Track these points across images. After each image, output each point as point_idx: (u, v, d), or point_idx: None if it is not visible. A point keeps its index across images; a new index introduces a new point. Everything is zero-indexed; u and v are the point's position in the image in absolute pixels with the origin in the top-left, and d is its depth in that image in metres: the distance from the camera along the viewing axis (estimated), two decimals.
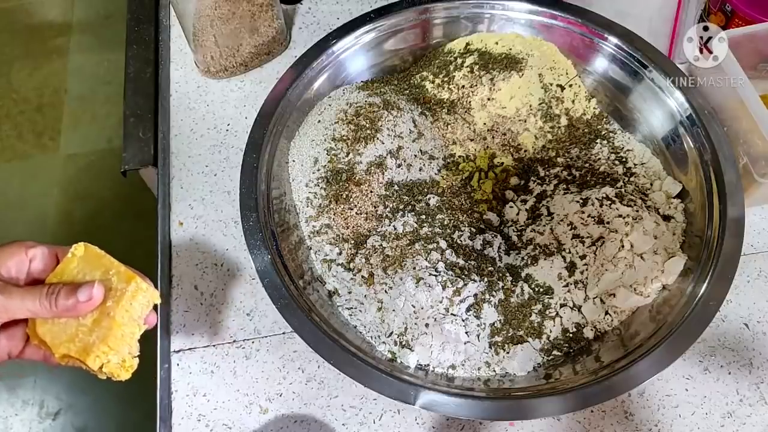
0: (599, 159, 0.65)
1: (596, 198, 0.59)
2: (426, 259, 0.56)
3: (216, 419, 0.57)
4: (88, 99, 1.72)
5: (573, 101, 0.68)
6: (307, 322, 0.51)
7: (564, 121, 0.68)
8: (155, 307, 0.45)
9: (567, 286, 0.57)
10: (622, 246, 0.56)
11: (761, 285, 0.63)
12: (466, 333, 0.54)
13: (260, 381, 0.58)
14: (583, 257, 0.57)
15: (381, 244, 0.58)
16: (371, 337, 0.56)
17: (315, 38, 0.69)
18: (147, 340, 0.61)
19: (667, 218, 0.59)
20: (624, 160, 0.65)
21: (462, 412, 0.48)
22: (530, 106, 0.67)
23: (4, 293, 0.39)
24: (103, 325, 0.41)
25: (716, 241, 0.54)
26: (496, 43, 0.69)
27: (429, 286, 0.54)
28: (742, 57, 0.62)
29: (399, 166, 0.62)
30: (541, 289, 0.57)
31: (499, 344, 0.55)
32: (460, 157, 0.67)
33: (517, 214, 0.63)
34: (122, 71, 0.80)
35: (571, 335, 0.56)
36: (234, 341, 0.60)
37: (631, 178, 0.63)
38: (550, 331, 0.56)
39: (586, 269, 0.57)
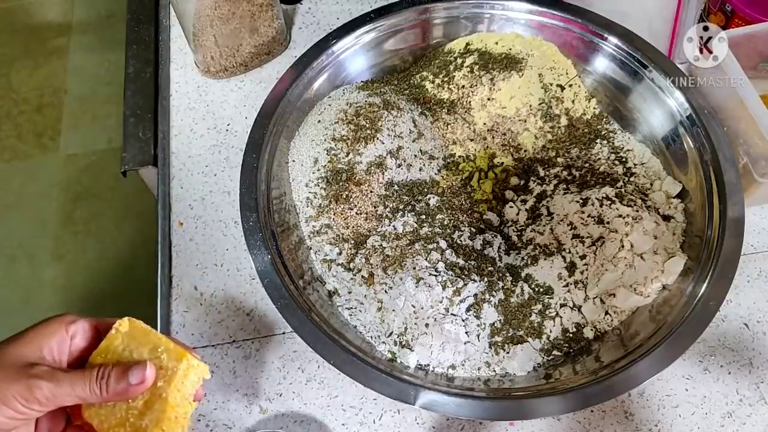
0: (599, 159, 0.65)
1: (596, 198, 0.59)
2: (426, 259, 0.56)
3: (216, 419, 0.57)
4: (88, 99, 1.72)
5: (573, 101, 0.68)
6: (307, 322, 0.51)
7: (564, 121, 0.68)
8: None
9: (567, 286, 0.57)
10: (622, 246, 0.56)
11: (761, 285, 0.63)
12: (466, 333, 0.54)
13: (260, 381, 0.58)
14: (583, 257, 0.57)
15: (381, 244, 0.58)
16: (371, 337, 0.56)
17: (315, 38, 0.69)
18: None
19: (667, 218, 0.59)
20: (624, 160, 0.65)
21: (462, 412, 0.48)
22: (530, 106, 0.67)
23: (53, 381, 0.37)
24: (156, 408, 0.39)
25: (716, 241, 0.54)
26: (496, 43, 0.69)
27: (429, 286, 0.54)
28: (742, 57, 0.62)
29: (399, 166, 0.62)
30: (541, 289, 0.57)
31: (499, 344, 0.55)
32: (460, 157, 0.67)
33: (517, 214, 0.63)
34: (122, 71, 0.80)
35: (571, 335, 0.56)
36: (234, 341, 0.60)
37: (631, 178, 0.63)
38: (550, 331, 0.56)
39: (586, 269, 0.57)
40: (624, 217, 0.57)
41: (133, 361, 0.39)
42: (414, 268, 0.56)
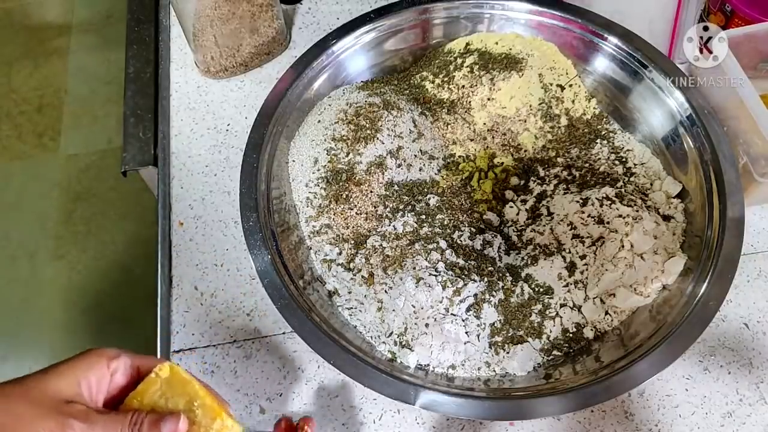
0: (599, 159, 0.65)
1: (596, 198, 0.59)
2: (426, 259, 0.56)
3: None
4: (88, 99, 1.72)
5: (573, 101, 0.68)
6: (307, 322, 0.51)
7: (564, 121, 0.68)
8: None
9: (567, 286, 0.57)
10: (622, 246, 0.56)
11: (761, 285, 0.63)
12: (466, 333, 0.54)
13: (260, 381, 0.58)
14: (583, 257, 0.57)
15: (381, 244, 0.58)
16: (371, 337, 0.56)
17: (315, 38, 0.69)
18: (148, 340, 0.61)
19: (667, 218, 0.59)
20: (624, 160, 0.65)
21: (462, 412, 0.48)
22: (530, 106, 0.67)
23: (87, 421, 0.36)
24: None
25: (716, 241, 0.54)
26: (496, 43, 0.69)
27: (429, 286, 0.54)
28: (742, 57, 0.62)
29: (399, 166, 0.62)
30: (541, 289, 0.57)
31: (499, 344, 0.55)
32: (460, 157, 0.67)
33: (517, 214, 0.63)
34: (122, 71, 0.80)
35: (571, 335, 0.56)
36: (234, 341, 0.60)
37: (631, 178, 0.63)
38: (550, 331, 0.56)
39: (586, 269, 0.57)
40: (624, 217, 0.57)
41: (167, 411, 0.39)
42: (414, 268, 0.56)
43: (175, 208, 0.68)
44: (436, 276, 0.55)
